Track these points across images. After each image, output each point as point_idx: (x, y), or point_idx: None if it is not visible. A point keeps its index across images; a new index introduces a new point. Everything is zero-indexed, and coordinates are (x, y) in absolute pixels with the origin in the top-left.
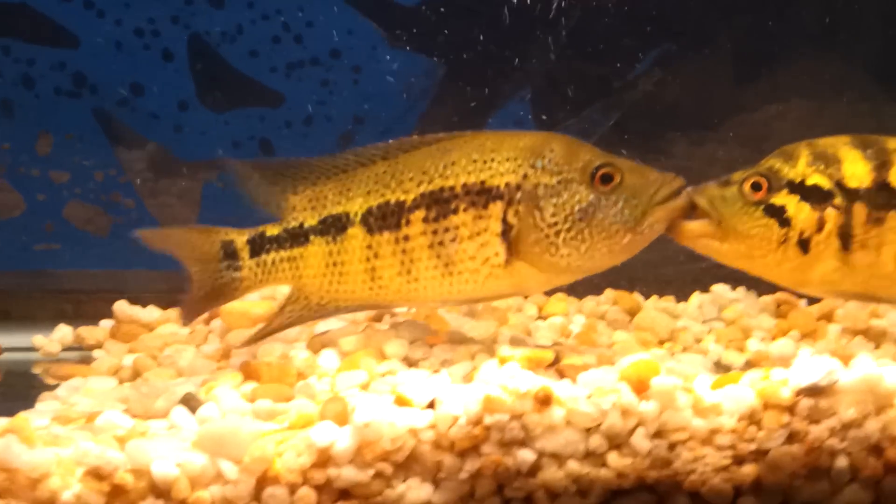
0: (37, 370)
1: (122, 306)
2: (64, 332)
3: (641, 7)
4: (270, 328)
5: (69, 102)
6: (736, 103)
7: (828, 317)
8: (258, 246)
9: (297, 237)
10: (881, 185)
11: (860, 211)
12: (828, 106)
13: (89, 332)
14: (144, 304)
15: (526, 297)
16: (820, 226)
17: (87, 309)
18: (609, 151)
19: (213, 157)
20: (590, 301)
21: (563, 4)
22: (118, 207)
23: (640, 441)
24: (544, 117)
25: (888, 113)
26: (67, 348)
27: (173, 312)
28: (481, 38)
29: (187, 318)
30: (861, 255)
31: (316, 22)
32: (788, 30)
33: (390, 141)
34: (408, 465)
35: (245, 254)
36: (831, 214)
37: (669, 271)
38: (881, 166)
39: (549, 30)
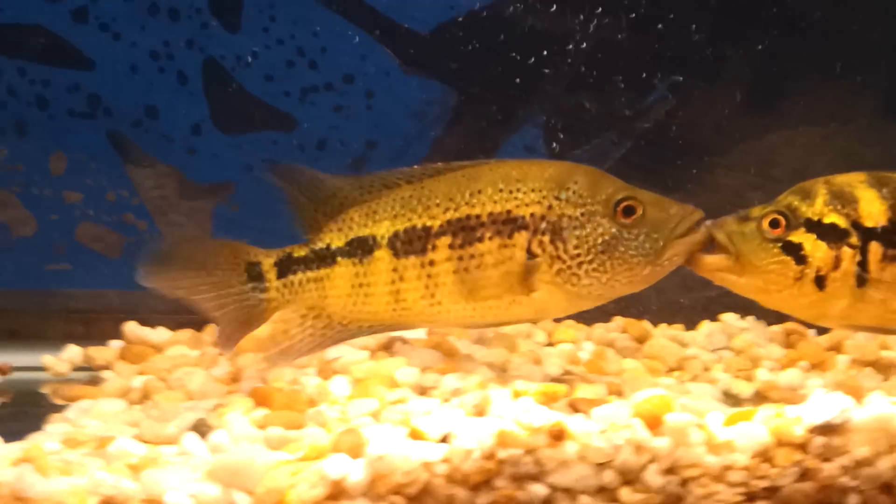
0: (45, 390)
1: (132, 327)
2: (73, 353)
3: (652, 37)
4: (295, 349)
5: (83, 124)
6: (744, 131)
7: (837, 348)
8: (285, 267)
9: (325, 258)
10: None
11: (876, 249)
12: (835, 134)
13: (99, 353)
14: (154, 326)
15: (535, 323)
16: (836, 264)
17: (97, 329)
18: (624, 180)
19: (226, 179)
20: (599, 328)
21: (576, 33)
22: (130, 228)
23: (653, 477)
24: (556, 145)
25: None
26: (77, 368)
27: (183, 334)
28: (494, 65)
29: (226, 346)
30: (876, 291)
31: (330, 47)
32: (796, 58)
33: (415, 166)
34: (421, 498)
35: (272, 275)
36: (847, 253)
37: (679, 299)
38: None
39: (561, 58)
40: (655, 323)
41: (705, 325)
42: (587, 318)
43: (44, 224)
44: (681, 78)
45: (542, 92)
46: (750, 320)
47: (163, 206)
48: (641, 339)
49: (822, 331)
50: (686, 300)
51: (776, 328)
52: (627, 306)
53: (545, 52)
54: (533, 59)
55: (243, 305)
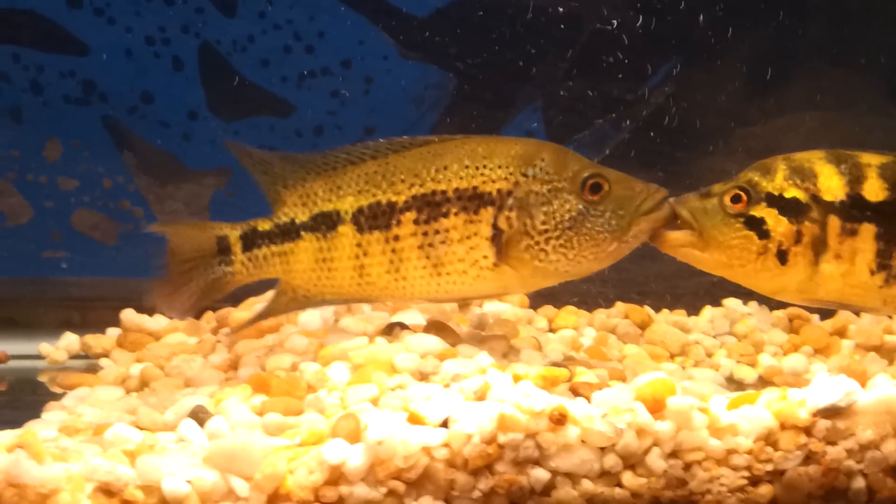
0: (43, 378)
1: (129, 314)
2: (70, 340)
3: (653, 21)
4: (257, 316)
5: (78, 110)
6: (746, 116)
7: (841, 332)
8: (250, 241)
9: (289, 233)
10: (855, 199)
11: (835, 223)
12: (837, 118)
13: (96, 341)
14: (151, 313)
15: (536, 310)
16: (797, 237)
17: (94, 317)
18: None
19: (223, 165)
20: (600, 314)
21: (575, 18)
22: (126, 215)
23: (656, 461)
24: (556, 130)
25: None
26: (74, 356)
27: (181, 321)
28: (493, 49)
29: (179, 312)
30: (836, 265)
31: (327, 32)
32: (798, 43)
33: (380, 140)
34: (420, 483)
35: (238, 248)
36: (808, 227)
37: (681, 284)
38: (854, 181)
39: (561, 43)
40: (657, 308)
41: (708, 311)
42: (589, 303)
43: (39, 211)
44: (682, 62)
45: (543, 76)
46: (753, 305)
47: (159, 192)
48: (643, 325)
49: (825, 315)
50: (688, 285)
51: (779, 313)
52: (629, 291)
53: (545, 36)
54: (533, 43)
55: (208, 277)
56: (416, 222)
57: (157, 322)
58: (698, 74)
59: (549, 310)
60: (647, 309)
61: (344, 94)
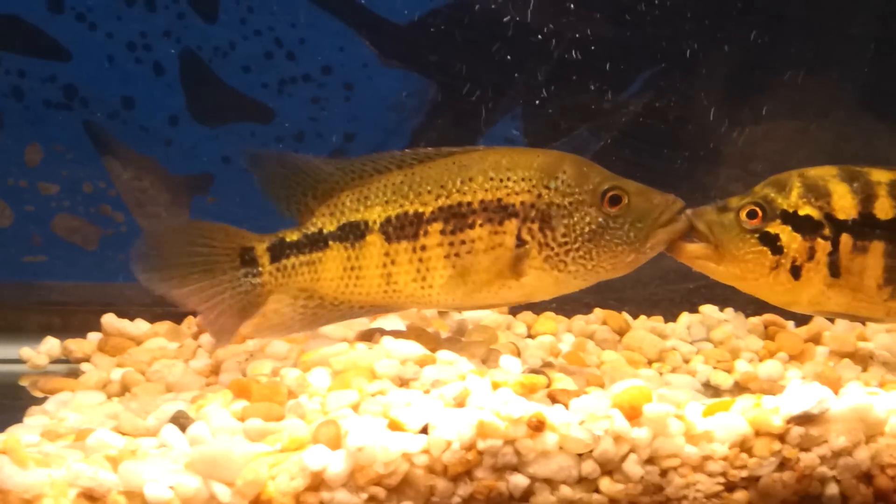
0: (24, 383)
1: (110, 319)
2: (51, 345)
3: (632, 30)
4: (286, 326)
5: (59, 114)
6: (724, 125)
7: (815, 339)
8: (278, 251)
9: (317, 242)
10: (866, 217)
11: (847, 241)
12: (815, 128)
13: (77, 345)
14: (133, 318)
15: (515, 316)
16: (810, 254)
17: (75, 321)
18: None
19: (204, 171)
20: (579, 320)
21: (555, 25)
22: (107, 220)
23: (633, 467)
24: (535, 137)
25: (875, 135)
26: (55, 361)
27: (161, 326)
28: (473, 57)
29: (222, 339)
30: (846, 280)
31: (308, 39)
32: (777, 52)
33: (406, 150)
34: (401, 489)
35: (265, 260)
36: (821, 244)
37: (658, 291)
38: (866, 199)
39: (541, 49)
40: (635, 315)
41: (685, 317)
42: (567, 309)
43: (20, 216)
44: (661, 71)
45: (522, 84)
46: (729, 312)
47: (140, 197)
48: (621, 331)
49: (800, 322)
50: (665, 292)
51: (755, 320)
52: (607, 298)
53: (525, 44)
54: (512, 51)
55: (236, 293)
56: (442, 233)
57: (138, 327)
58: (676, 84)
59: (528, 315)
60: (625, 315)
61: (324, 101)
